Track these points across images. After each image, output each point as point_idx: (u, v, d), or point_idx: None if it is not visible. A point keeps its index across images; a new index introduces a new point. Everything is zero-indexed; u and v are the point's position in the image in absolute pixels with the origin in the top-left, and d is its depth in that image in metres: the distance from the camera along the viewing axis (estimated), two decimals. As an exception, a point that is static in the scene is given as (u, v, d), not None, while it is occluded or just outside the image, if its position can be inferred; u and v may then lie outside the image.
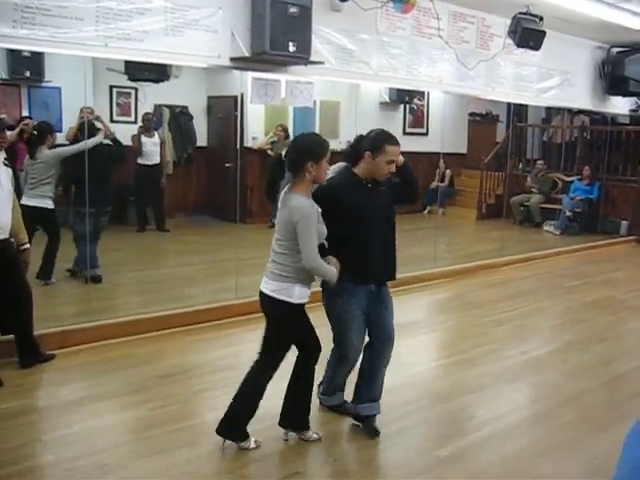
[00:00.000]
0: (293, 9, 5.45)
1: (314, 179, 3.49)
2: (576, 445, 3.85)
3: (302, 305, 3.55)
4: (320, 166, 3.47)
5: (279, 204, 3.54)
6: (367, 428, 3.89)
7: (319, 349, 3.75)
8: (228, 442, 3.61)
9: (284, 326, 3.62)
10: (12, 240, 4.61)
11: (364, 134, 3.80)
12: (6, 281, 4.53)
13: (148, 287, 6.74)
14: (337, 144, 11.31)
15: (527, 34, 7.13)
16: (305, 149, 3.49)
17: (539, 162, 12.42)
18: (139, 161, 9.38)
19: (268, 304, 3.59)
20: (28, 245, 4.74)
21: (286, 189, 3.53)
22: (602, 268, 9.12)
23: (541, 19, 7.21)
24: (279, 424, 3.75)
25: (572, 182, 11.88)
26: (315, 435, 3.77)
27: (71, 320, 5.35)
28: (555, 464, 3.64)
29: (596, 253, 10.22)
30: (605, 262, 9.56)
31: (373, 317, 3.83)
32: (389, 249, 3.80)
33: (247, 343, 5.49)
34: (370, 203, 3.68)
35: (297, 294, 3.49)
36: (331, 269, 3.46)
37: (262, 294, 3.61)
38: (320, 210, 3.47)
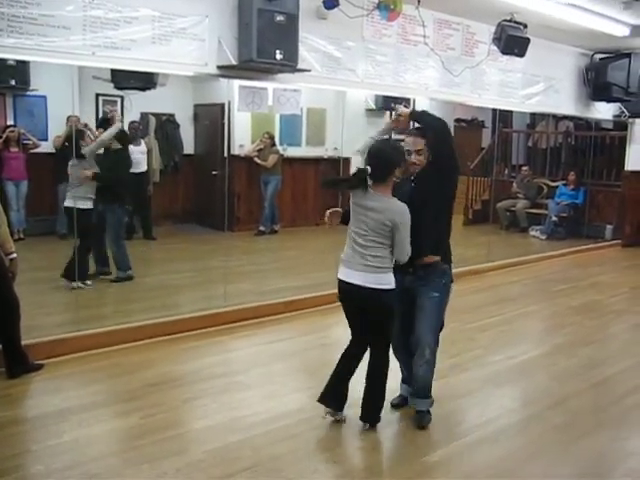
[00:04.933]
0: (280, 17, 5.48)
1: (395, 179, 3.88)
2: (564, 448, 3.87)
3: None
4: (401, 167, 3.87)
5: (366, 205, 3.79)
6: (414, 420, 4.11)
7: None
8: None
9: (390, 311, 3.90)
10: (-1, 250, 4.59)
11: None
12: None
13: (136, 295, 6.72)
14: (323, 151, 11.40)
15: (511, 41, 7.19)
16: (393, 159, 3.83)
17: (524, 168, 12.50)
18: (126, 169, 9.35)
19: (370, 296, 3.82)
20: (15, 255, 4.71)
21: (370, 191, 3.80)
22: (588, 272, 9.19)
23: (525, 26, 7.27)
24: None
25: (557, 187, 11.98)
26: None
27: (59, 330, 5.32)
28: (544, 467, 3.66)
29: (582, 257, 10.30)
30: (591, 266, 9.63)
31: (414, 317, 4.03)
32: (418, 240, 3.85)
33: (236, 351, 5.53)
34: (406, 197, 3.83)
35: (392, 280, 3.83)
36: None
37: (358, 287, 3.82)
38: None
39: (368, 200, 3.79)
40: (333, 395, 4.05)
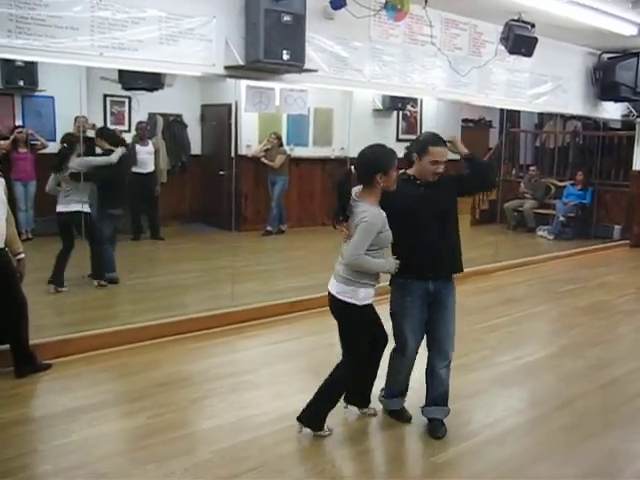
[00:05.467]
0: (287, 17, 5.48)
1: (384, 188, 3.65)
2: (572, 449, 3.86)
3: (368, 305, 3.76)
4: (389, 176, 3.64)
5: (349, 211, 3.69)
6: (429, 429, 3.99)
7: (386, 339, 4.01)
8: (305, 429, 3.86)
9: (352, 327, 3.80)
10: (7, 250, 4.61)
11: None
12: (1, 291, 4.53)
13: (143, 295, 6.74)
14: (330, 151, 11.39)
15: (519, 41, 7.17)
16: (374, 162, 3.63)
17: (532, 168, 12.46)
18: (133, 170, 9.36)
19: (334, 305, 3.80)
20: (23, 255, 4.74)
21: (354, 197, 3.67)
22: (596, 273, 9.16)
23: (533, 26, 7.25)
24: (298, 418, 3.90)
25: (565, 187, 11.93)
26: (327, 431, 3.90)
27: (67, 329, 5.34)
28: (551, 468, 3.66)
29: (589, 258, 10.26)
30: (599, 266, 9.60)
31: (429, 323, 3.94)
32: (443, 245, 3.88)
33: (243, 351, 5.54)
34: (420, 202, 3.79)
35: (362, 296, 3.69)
36: (378, 262, 3.65)
37: (330, 294, 3.82)
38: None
39: (352, 207, 3.69)
40: (352, 395, 4.12)
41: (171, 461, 3.54)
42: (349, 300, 3.70)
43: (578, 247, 10.65)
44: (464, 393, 4.58)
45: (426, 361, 4.02)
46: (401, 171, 3.91)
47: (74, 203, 6.59)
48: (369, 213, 3.58)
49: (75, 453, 3.62)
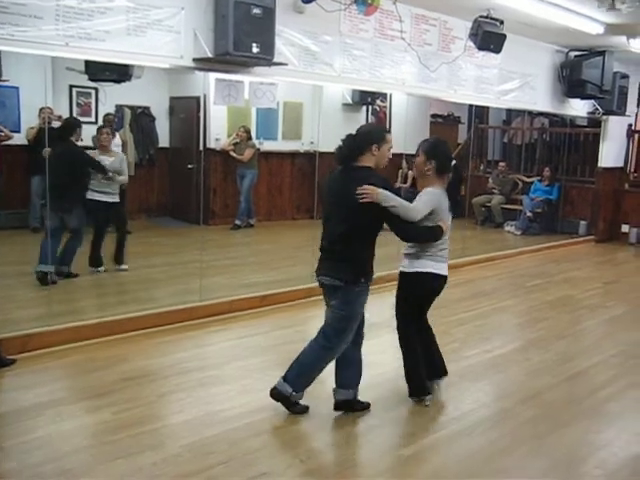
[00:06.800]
0: (256, 10, 5.44)
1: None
2: (538, 441, 3.91)
3: None
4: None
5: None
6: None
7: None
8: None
9: None
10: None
11: (353, 133, 3.99)
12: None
13: (110, 289, 6.67)
14: (300, 145, 11.39)
15: (488, 37, 7.22)
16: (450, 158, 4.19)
17: (502, 164, 12.57)
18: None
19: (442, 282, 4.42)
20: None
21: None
22: (562, 267, 9.29)
23: (502, 23, 7.30)
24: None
25: (532, 183, 12.08)
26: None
27: (32, 324, 5.25)
28: (518, 460, 3.70)
29: (556, 253, 10.40)
30: (565, 262, 9.73)
31: None
32: None
33: (211, 345, 5.51)
34: None
35: None
36: None
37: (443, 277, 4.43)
38: None
39: None
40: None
41: (139, 456, 3.51)
42: None
43: (545, 242, 10.79)
44: (432, 386, 4.62)
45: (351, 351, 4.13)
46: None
47: None
48: None
49: (41, 449, 3.56)
